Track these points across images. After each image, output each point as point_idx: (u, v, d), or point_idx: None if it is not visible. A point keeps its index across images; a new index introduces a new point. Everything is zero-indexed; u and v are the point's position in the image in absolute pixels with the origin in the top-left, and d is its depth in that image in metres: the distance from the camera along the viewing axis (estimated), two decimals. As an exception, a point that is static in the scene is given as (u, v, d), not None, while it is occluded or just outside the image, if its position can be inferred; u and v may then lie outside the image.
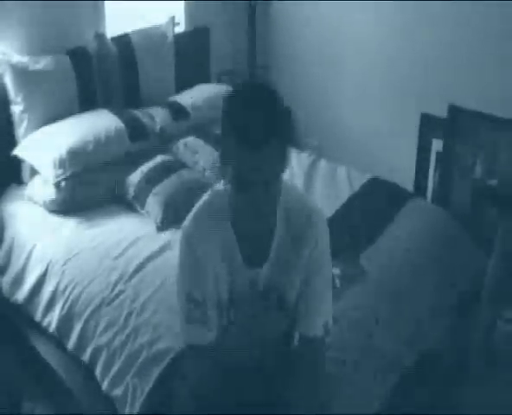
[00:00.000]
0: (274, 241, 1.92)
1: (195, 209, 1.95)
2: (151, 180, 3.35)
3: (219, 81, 4.67)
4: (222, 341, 2.06)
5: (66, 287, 2.90)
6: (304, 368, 1.98)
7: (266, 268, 1.94)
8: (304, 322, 1.99)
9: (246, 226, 1.86)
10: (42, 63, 3.50)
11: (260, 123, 1.61)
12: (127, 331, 2.61)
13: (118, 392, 2.51)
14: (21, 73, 3.41)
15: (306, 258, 1.93)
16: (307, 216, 1.92)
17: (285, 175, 3.71)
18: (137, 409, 2.39)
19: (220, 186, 1.95)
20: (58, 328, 2.89)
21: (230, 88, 4.25)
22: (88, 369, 2.72)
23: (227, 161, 1.72)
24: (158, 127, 3.72)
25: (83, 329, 2.76)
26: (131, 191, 3.36)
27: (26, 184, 3.48)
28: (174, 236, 3.10)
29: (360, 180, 3.69)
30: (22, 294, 3.11)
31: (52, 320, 2.93)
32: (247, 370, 2.11)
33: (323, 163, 3.91)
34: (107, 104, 3.75)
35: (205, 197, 1.97)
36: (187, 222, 1.93)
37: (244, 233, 1.89)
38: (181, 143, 3.73)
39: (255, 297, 1.98)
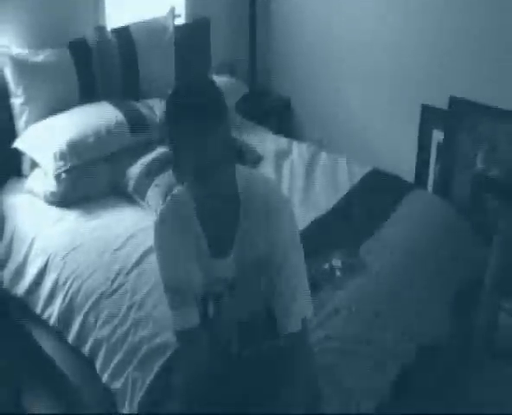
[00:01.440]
0: (238, 230, 1.94)
1: (162, 207, 2.04)
2: (152, 172, 3.35)
3: (219, 73, 4.65)
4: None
5: (66, 280, 2.90)
6: (286, 364, 1.99)
7: (233, 257, 1.97)
8: (279, 320, 1.99)
9: (211, 218, 1.92)
10: (43, 56, 3.50)
11: (203, 105, 1.71)
12: (128, 324, 2.61)
13: (118, 384, 2.51)
14: (21, 65, 3.41)
15: (271, 247, 1.93)
16: (267, 201, 1.92)
17: (285, 168, 3.74)
18: (137, 402, 2.40)
19: (179, 188, 2.02)
20: (58, 320, 2.89)
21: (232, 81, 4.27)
22: (89, 362, 2.72)
23: (177, 156, 1.79)
24: (159, 119, 3.71)
25: (83, 322, 2.76)
26: (132, 183, 3.36)
27: (26, 177, 3.48)
28: (174, 228, 3.11)
29: (360, 171, 3.68)
30: (22, 287, 3.11)
31: (52, 312, 2.93)
32: (230, 365, 2.14)
33: (323, 155, 3.91)
34: (107, 96, 3.74)
35: (172, 193, 2.05)
36: (157, 219, 2.01)
37: (209, 224, 1.94)
38: (181, 135, 3.72)
39: (224, 287, 2.02)
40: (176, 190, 2.04)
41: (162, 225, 1.99)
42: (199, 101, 1.71)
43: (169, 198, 2.04)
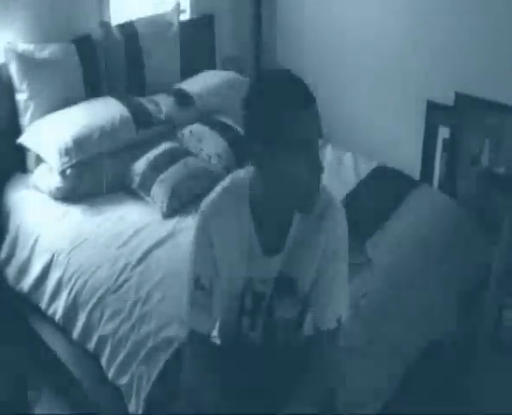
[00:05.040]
0: (291, 230, 1.91)
1: (213, 194, 1.94)
2: (157, 167, 3.35)
3: (224, 68, 4.65)
4: (236, 330, 2.09)
5: (71, 275, 2.90)
6: (313, 360, 1.96)
7: (282, 256, 1.93)
8: (316, 314, 1.99)
9: (266, 214, 1.87)
10: (48, 51, 3.50)
11: (300, 87, 1.75)
12: (133, 320, 2.61)
13: (124, 380, 2.52)
14: (26, 61, 3.40)
15: (321, 249, 1.91)
16: (325, 206, 1.90)
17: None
18: (143, 397, 2.40)
19: (240, 172, 1.96)
20: (63, 316, 2.89)
21: (237, 76, 4.26)
22: (94, 358, 2.72)
23: (257, 140, 1.75)
24: (164, 114, 3.71)
25: (88, 318, 2.76)
26: (137, 179, 3.35)
27: (31, 172, 3.48)
28: (179, 224, 3.11)
29: (366, 167, 3.68)
30: (27, 283, 3.11)
31: (57, 308, 2.93)
32: (255, 356, 2.12)
33: (329, 150, 3.90)
34: (113, 91, 3.74)
35: (224, 182, 1.95)
36: (204, 207, 1.92)
37: (263, 221, 1.89)
38: (186, 130, 3.72)
39: (269, 284, 1.98)
40: (227, 181, 1.95)
41: (209, 214, 1.90)
42: (295, 85, 1.75)
43: (219, 188, 1.94)
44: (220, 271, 1.93)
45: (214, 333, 2.16)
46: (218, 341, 2.21)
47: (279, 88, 1.74)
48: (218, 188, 1.94)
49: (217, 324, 2.13)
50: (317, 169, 1.79)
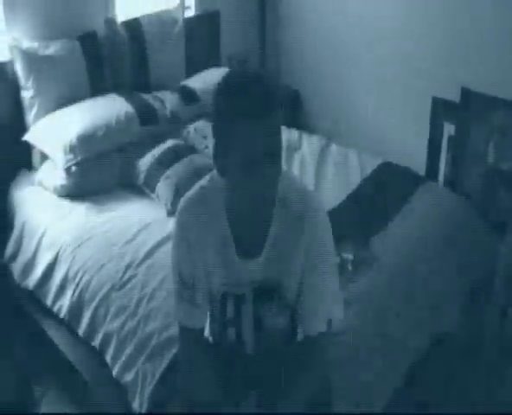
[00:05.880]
0: (270, 232, 1.86)
1: (191, 192, 1.92)
2: (162, 164, 3.35)
3: (229, 65, 4.65)
4: (220, 338, 2.07)
5: (76, 272, 2.91)
6: (305, 365, 1.93)
7: (261, 260, 1.89)
8: (304, 321, 1.96)
9: (242, 217, 1.83)
10: (52, 48, 3.50)
11: (258, 94, 1.62)
12: (138, 317, 2.62)
13: (128, 377, 2.52)
14: (31, 58, 3.41)
15: (303, 250, 1.86)
16: (305, 208, 1.85)
17: (296, 160, 3.73)
18: (147, 394, 2.40)
19: (209, 177, 1.92)
20: (69, 313, 2.90)
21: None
22: (99, 354, 2.72)
23: (223, 148, 1.71)
24: (168, 111, 3.71)
25: (94, 315, 2.77)
26: (142, 176, 3.35)
27: (36, 170, 3.49)
28: (184, 221, 3.10)
29: (371, 164, 3.67)
30: (32, 279, 3.12)
31: (63, 305, 2.93)
32: (246, 363, 2.09)
33: (334, 148, 3.90)
34: (117, 88, 3.74)
35: (202, 181, 1.93)
36: (182, 204, 1.91)
37: (239, 223, 1.86)
38: (191, 127, 3.72)
39: (246, 287, 1.94)
40: (206, 179, 1.93)
41: (186, 212, 1.89)
42: (253, 92, 1.63)
43: (197, 186, 1.92)
44: (199, 272, 1.90)
45: (206, 332, 2.12)
46: (211, 339, 2.18)
47: (236, 93, 1.65)
48: (196, 188, 1.92)
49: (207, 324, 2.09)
50: (271, 183, 1.73)
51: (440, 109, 4.03)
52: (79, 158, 3.27)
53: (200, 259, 1.89)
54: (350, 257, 2.78)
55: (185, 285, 1.91)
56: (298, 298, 1.94)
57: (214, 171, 1.89)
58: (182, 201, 1.91)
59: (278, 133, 1.69)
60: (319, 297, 1.91)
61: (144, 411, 2.40)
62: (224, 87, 1.69)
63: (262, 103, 1.62)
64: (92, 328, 2.76)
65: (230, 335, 2.04)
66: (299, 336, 2.07)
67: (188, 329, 1.96)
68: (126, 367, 2.54)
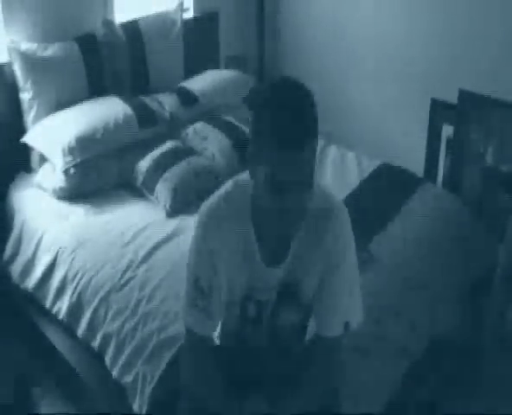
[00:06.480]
0: (294, 240, 1.84)
1: (214, 197, 1.86)
2: (161, 166, 3.35)
3: (228, 67, 4.65)
4: (238, 337, 2.06)
5: (75, 274, 2.90)
6: (316, 361, 1.93)
7: (286, 265, 1.87)
8: (320, 321, 1.94)
9: (269, 226, 1.78)
10: (51, 50, 3.50)
11: (301, 123, 1.56)
12: (137, 318, 2.61)
13: (128, 379, 2.52)
14: (29, 60, 3.40)
15: (327, 250, 1.85)
16: (328, 212, 1.84)
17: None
18: (147, 395, 2.40)
19: (243, 176, 1.86)
20: (68, 314, 2.90)
21: (241, 75, 4.26)
22: (98, 356, 2.72)
23: (258, 160, 1.65)
24: (167, 113, 3.71)
25: (92, 316, 2.76)
26: (141, 177, 3.35)
27: (35, 172, 3.48)
28: (183, 222, 3.10)
29: (370, 166, 3.67)
30: (31, 281, 3.12)
31: (62, 307, 2.93)
32: (258, 363, 2.09)
33: (332, 149, 3.90)
34: (116, 90, 3.74)
35: (227, 186, 1.87)
36: (205, 209, 1.85)
37: (265, 231, 1.82)
38: (190, 129, 3.72)
39: (272, 293, 1.93)
40: (230, 184, 1.87)
41: (209, 218, 1.83)
42: (304, 113, 1.57)
43: (222, 191, 1.86)
44: (220, 278, 1.86)
45: (215, 335, 2.10)
46: (217, 342, 2.16)
47: (283, 117, 1.55)
48: (219, 194, 1.86)
49: (218, 328, 2.07)
50: (302, 203, 1.68)
51: (439, 110, 4.04)
52: (77, 160, 3.27)
53: (222, 266, 1.85)
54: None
55: (201, 292, 1.85)
56: (316, 297, 1.93)
57: (239, 176, 1.87)
58: (205, 207, 1.85)
59: (314, 158, 1.65)
60: (339, 297, 1.90)
61: (144, 412, 2.40)
62: (273, 103, 1.61)
63: (306, 133, 1.57)
64: (92, 329, 2.76)
65: (248, 335, 2.03)
66: (308, 335, 2.08)
67: (196, 333, 1.92)
68: (126, 369, 2.54)
